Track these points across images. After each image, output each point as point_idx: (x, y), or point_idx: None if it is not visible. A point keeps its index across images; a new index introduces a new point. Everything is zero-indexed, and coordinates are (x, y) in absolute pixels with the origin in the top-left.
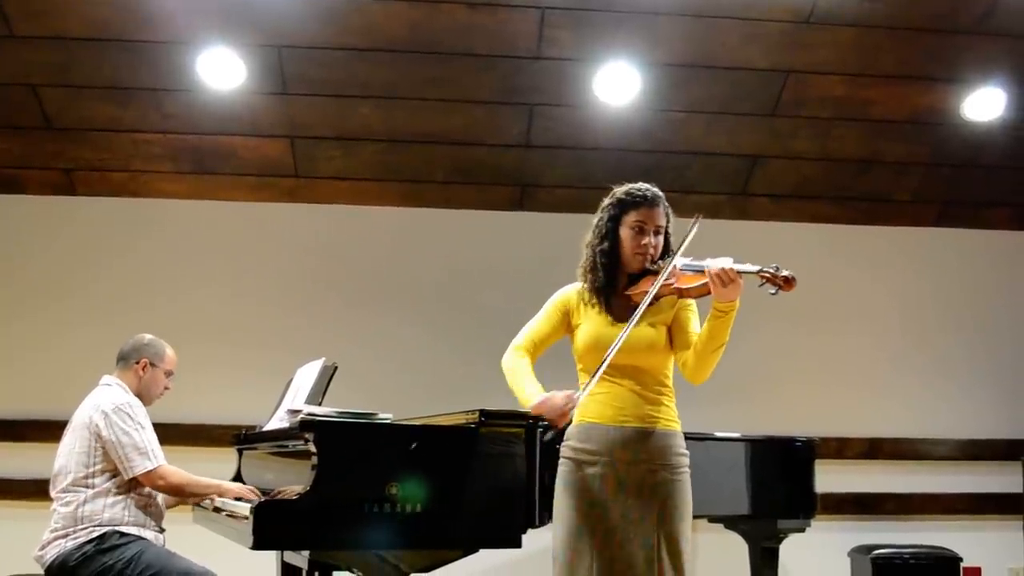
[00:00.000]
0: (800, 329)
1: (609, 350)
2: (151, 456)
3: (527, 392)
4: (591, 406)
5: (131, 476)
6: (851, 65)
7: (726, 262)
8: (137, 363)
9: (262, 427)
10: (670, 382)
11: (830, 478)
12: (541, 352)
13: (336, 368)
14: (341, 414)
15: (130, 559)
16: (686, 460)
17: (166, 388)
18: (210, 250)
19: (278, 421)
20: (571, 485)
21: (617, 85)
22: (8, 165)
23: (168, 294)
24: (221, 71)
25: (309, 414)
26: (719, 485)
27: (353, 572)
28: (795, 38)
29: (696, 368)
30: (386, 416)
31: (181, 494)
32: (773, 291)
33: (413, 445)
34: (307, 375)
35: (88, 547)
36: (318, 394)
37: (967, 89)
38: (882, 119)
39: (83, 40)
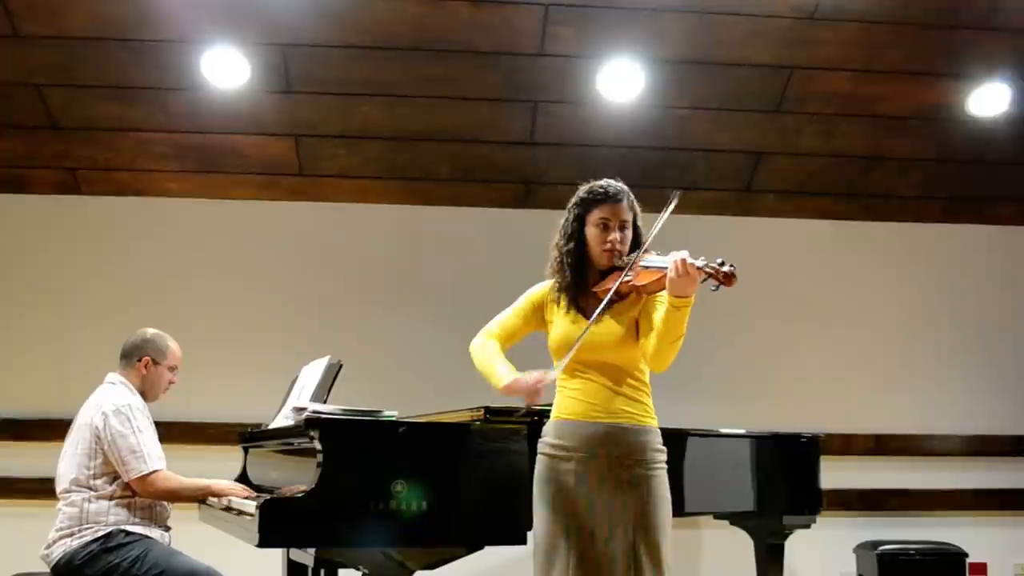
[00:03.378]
0: (805, 325)
1: (574, 344)
2: (146, 460)
3: (499, 373)
4: (565, 403)
5: (127, 480)
6: (855, 61)
7: (682, 255)
8: (139, 361)
9: (267, 425)
10: (645, 378)
11: (836, 474)
12: (511, 345)
13: (341, 365)
14: (346, 412)
15: (135, 558)
16: (662, 456)
17: (171, 383)
18: (215, 249)
19: (283, 419)
20: (547, 481)
21: (621, 82)
22: (13, 164)
23: (173, 293)
24: (225, 70)
25: (314, 412)
26: (724, 481)
27: (358, 569)
28: (799, 34)
29: (655, 356)
30: (391, 413)
31: (174, 499)
32: (714, 287)
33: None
34: (312, 373)
35: (94, 546)
36: (323, 392)
37: (972, 85)
38: (887, 115)
39: (87, 39)
